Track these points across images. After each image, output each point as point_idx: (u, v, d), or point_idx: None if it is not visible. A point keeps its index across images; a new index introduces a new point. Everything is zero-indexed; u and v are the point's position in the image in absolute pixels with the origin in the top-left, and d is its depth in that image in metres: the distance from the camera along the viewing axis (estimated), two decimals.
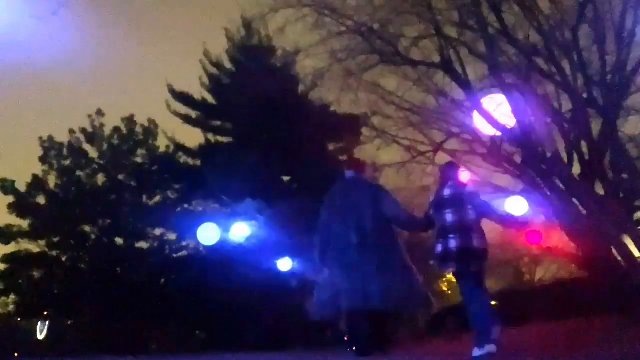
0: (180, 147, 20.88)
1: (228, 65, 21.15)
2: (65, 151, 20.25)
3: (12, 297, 20.02)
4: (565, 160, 8.26)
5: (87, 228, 20.08)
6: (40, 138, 20.26)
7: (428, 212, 4.51)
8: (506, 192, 10.21)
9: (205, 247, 16.34)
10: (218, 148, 20.68)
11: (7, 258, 19.13)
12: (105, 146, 20.59)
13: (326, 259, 4.59)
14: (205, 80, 21.03)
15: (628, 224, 7.28)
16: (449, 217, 4.17)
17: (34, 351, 22.68)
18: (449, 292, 27.77)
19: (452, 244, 4.08)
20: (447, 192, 4.30)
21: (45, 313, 20.70)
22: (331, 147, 20.73)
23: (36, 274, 19.63)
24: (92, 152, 20.60)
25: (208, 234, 11.22)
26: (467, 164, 10.23)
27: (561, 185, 7.57)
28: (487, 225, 4.51)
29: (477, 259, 4.14)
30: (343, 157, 20.73)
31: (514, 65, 7.72)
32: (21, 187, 19.53)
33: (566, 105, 8.71)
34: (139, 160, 20.91)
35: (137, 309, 18.04)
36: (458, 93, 8.84)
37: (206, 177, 19.06)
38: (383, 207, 4.56)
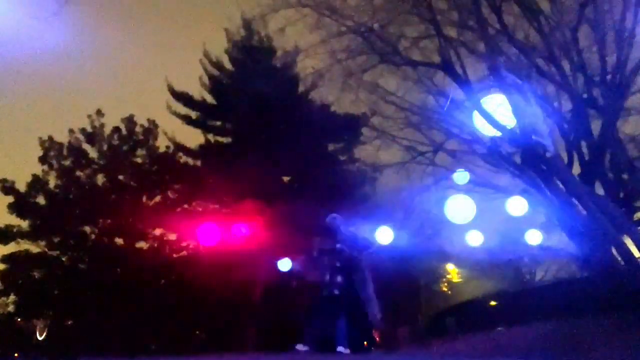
0: (180, 147, 20.85)
1: (228, 65, 21.12)
2: (65, 151, 20.20)
3: (12, 297, 19.97)
4: (565, 160, 8.26)
5: (87, 228, 20.03)
6: (40, 138, 20.24)
7: None
8: (506, 192, 10.21)
9: (205, 247, 16.30)
10: (218, 148, 20.65)
11: (7, 258, 19.09)
12: (105, 146, 20.56)
13: None
14: (205, 80, 21.01)
15: (628, 224, 7.27)
16: None
17: (34, 351, 22.71)
18: (449, 292, 27.79)
19: None
20: None
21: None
22: (331, 147, 20.70)
23: (36, 274, 19.58)
24: (92, 152, 20.57)
25: (208, 234, 11.19)
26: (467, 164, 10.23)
27: (561, 185, 7.57)
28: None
29: None
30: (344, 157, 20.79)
31: (514, 65, 7.72)
32: (21, 187, 19.51)
33: (566, 105, 8.72)
34: (139, 160, 20.86)
35: (136, 309, 18.00)
36: (458, 93, 8.84)
37: (206, 177, 19.03)
38: None
